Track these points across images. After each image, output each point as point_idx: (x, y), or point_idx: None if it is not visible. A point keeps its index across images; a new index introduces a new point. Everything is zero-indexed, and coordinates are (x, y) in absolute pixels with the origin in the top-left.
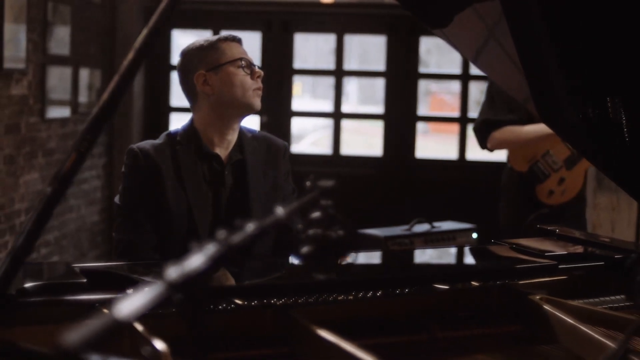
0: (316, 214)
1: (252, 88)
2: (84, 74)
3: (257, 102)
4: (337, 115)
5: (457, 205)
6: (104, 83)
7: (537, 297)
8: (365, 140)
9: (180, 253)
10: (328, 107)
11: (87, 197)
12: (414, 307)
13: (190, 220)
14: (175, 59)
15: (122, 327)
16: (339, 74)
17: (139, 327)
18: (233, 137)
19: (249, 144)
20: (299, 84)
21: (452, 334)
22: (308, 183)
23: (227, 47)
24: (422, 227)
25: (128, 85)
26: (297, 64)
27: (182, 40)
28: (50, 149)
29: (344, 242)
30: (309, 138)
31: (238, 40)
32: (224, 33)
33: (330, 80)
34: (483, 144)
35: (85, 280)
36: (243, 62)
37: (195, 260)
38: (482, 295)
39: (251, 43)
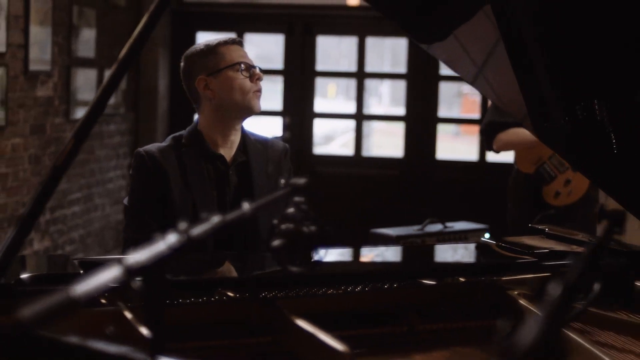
0: (290, 210)
1: (251, 91)
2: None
3: (257, 104)
4: (359, 117)
5: (475, 206)
6: (129, 84)
7: (515, 292)
8: (395, 142)
9: None
10: (354, 109)
11: (111, 196)
12: (395, 301)
13: (196, 219)
14: None
15: (75, 305)
16: (360, 76)
17: (129, 315)
18: (236, 137)
19: (253, 146)
20: (333, 86)
21: (432, 327)
22: (282, 181)
23: (226, 51)
24: (434, 227)
25: (121, 78)
26: (321, 66)
27: None
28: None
29: (316, 237)
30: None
31: (238, 43)
32: (225, 37)
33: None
34: (489, 145)
35: (82, 271)
36: (242, 66)
37: (155, 248)
38: (465, 290)
39: (274, 45)
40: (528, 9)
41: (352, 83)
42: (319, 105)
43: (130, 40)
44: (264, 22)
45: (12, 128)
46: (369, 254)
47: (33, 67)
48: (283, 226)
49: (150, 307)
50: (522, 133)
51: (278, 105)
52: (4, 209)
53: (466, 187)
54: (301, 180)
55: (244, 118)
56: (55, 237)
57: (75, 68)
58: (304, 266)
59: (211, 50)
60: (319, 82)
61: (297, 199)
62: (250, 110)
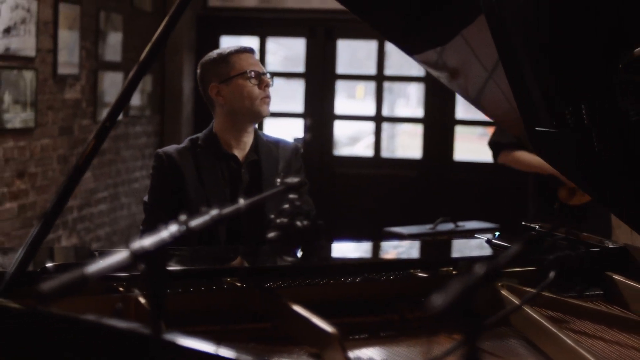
0: (285, 206)
1: (259, 97)
2: None
3: (265, 110)
4: (378, 119)
5: (490, 206)
6: (154, 87)
7: (499, 284)
8: (419, 143)
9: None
10: (384, 110)
11: (137, 195)
12: (388, 291)
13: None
14: None
15: (86, 281)
16: (379, 79)
17: (142, 301)
18: (248, 139)
19: (264, 146)
20: (361, 87)
21: (421, 316)
22: (278, 180)
23: (237, 59)
24: (446, 226)
25: (140, 78)
26: (346, 68)
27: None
28: (101, 149)
29: (309, 231)
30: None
31: (249, 51)
32: (237, 46)
33: (387, 85)
34: (495, 159)
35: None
36: (252, 74)
37: (158, 236)
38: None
39: (296, 49)
40: (518, 19)
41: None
42: (347, 106)
43: (151, 42)
44: (286, 27)
45: (42, 129)
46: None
47: (61, 70)
48: (278, 220)
49: (152, 287)
50: (522, 158)
51: (299, 107)
52: (33, 206)
53: (482, 188)
54: (295, 179)
55: (254, 122)
56: (82, 235)
57: (102, 71)
58: (299, 257)
59: (223, 59)
60: (348, 83)
61: (291, 195)
62: (259, 115)
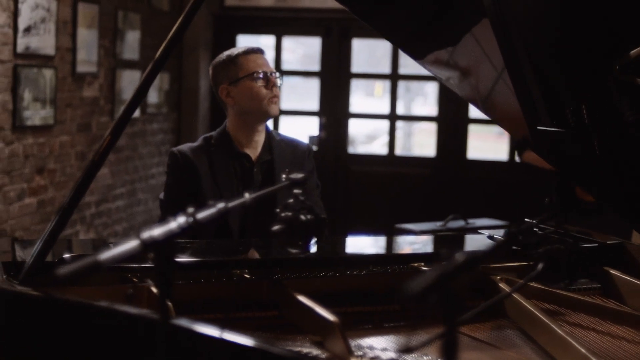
0: (290, 201)
1: (267, 97)
2: None
3: (273, 109)
4: (392, 117)
5: (503, 204)
6: (171, 85)
7: (498, 277)
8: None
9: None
10: (401, 109)
11: (154, 191)
12: (390, 283)
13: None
14: None
15: (99, 266)
16: (394, 77)
17: (154, 290)
18: (260, 138)
19: (277, 146)
20: (380, 85)
21: (422, 307)
22: (283, 176)
23: (245, 61)
24: (456, 223)
25: (155, 75)
26: (362, 67)
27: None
28: (119, 146)
29: (311, 224)
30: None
31: (257, 51)
32: (247, 46)
33: (404, 83)
34: (520, 157)
35: None
36: (260, 74)
37: (167, 227)
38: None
39: (312, 48)
40: (519, 21)
41: (402, 83)
42: (366, 104)
43: (166, 40)
44: (301, 26)
45: (60, 126)
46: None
47: (80, 69)
48: (283, 214)
49: (160, 275)
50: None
51: (315, 106)
52: (52, 201)
53: (495, 186)
54: (299, 176)
55: (263, 121)
56: (100, 230)
57: (120, 70)
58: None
59: (231, 60)
60: (367, 81)
61: (296, 191)
62: (268, 115)
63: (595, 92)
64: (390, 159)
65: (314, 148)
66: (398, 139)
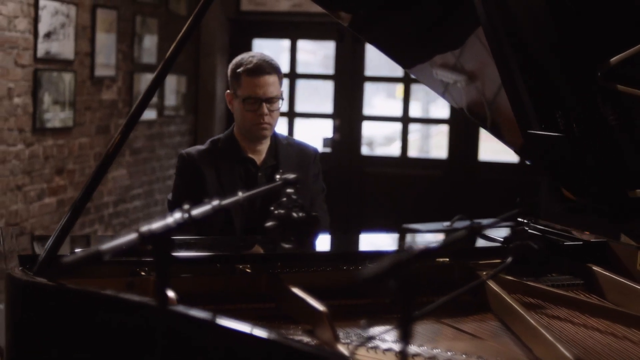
0: (283, 199)
1: (253, 123)
2: (170, 80)
3: (261, 134)
4: (405, 120)
5: (513, 205)
6: (189, 88)
7: (484, 273)
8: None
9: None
10: (419, 111)
11: (170, 192)
12: None
13: (228, 216)
14: None
15: (100, 256)
16: (406, 80)
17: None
18: (264, 144)
19: (283, 150)
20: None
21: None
22: (277, 176)
23: (244, 81)
24: (463, 224)
25: (165, 74)
26: (370, 71)
27: (263, 51)
28: (137, 148)
29: (304, 222)
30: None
31: (262, 73)
32: (256, 60)
33: (423, 86)
34: None
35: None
36: (252, 100)
37: (164, 222)
38: (446, 270)
39: (326, 51)
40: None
41: (419, 86)
42: (387, 106)
43: (176, 41)
44: (316, 30)
45: (80, 128)
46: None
47: (99, 72)
48: (276, 212)
49: (158, 264)
50: None
51: (329, 109)
52: (71, 201)
53: (506, 187)
54: (292, 176)
55: (253, 141)
56: (118, 229)
57: (137, 73)
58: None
59: (237, 74)
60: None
61: (289, 190)
62: (255, 138)
63: (581, 98)
64: (403, 161)
65: (328, 150)
66: (416, 141)
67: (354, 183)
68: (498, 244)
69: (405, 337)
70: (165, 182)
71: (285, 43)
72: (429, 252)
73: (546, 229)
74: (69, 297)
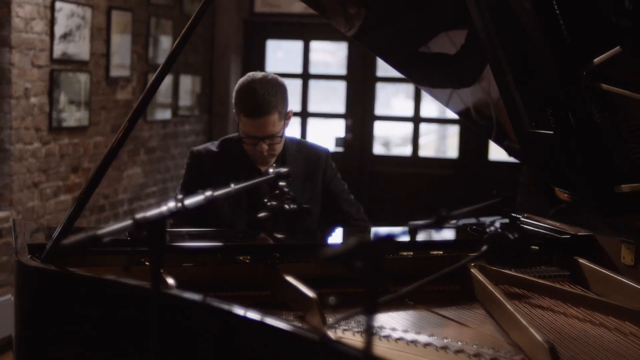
0: (275, 192)
1: (253, 155)
2: (185, 80)
3: (261, 164)
4: (416, 120)
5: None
6: (204, 89)
7: (472, 263)
8: None
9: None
10: (435, 111)
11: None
12: None
13: (231, 218)
14: (269, 67)
15: (97, 240)
16: None
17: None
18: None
19: (291, 155)
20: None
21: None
22: (270, 170)
23: (243, 120)
24: (467, 220)
25: (167, 70)
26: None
27: (276, 52)
28: (151, 147)
29: (295, 213)
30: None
31: (257, 116)
32: (253, 102)
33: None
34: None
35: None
36: (249, 139)
37: (157, 211)
38: (437, 262)
39: (338, 53)
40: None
41: None
42: (406, 106)
43: (179, 37)
44: (328, 31)
45: (95, 128)
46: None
47: (114, 73)
48: (269, 203)
49: (152, 249)
50: None
51: (341, 109)
52: None
53: (515, 186)
54: (284, 170)
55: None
56: None
57: (152, 74)
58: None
59: (237, 105)
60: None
61: (281, 183)
62: (256, 163)
63: (569, 97)
64: (415, 161)
65: (340, 149)
66: (432, 141)
67: (365, 182)
68: (476, 236)
69: (370, 319)
70: (179, 181)
71: (296, 45)
72: (393, 236)
73: (537, 223)
74: (73, 282)
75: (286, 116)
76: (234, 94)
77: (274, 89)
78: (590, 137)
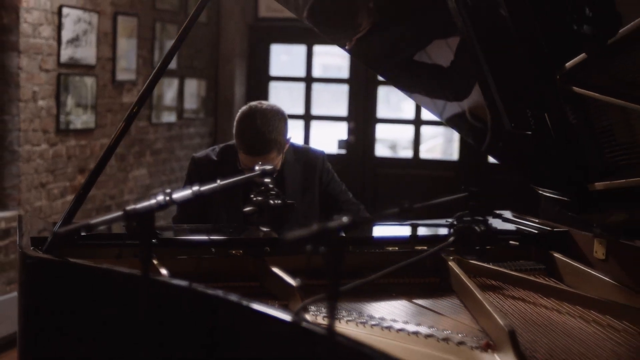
0: (260, 187)
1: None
2: (190, 84)
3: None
4: (417, 123)
5: (523, 205)
6: (209, 93)
7: (450, 257)
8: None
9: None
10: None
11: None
12: (360, 261)
13: (227, 220)
14: (274, 70)
15: (90, 228)
16: None
17: (155, 262)
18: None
19: (290, 165)
20: None
21: (389, 281)
22: (256, 167)
23: (241, 155)
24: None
25: (166, 67)
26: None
27: (280, 56)
28: (157, 149)
29: (279, 208)
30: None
31: (257, 154)
32: (249, 140)
33: None
34: None
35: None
36: (244, 172)
37: (147, 203)
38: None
39: (340, 56)
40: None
41: None
42: (412, 108)
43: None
44: None
45: (101, 130)
46: None
47: (120, 77)
48: (255, 198)
49: (141, 239)
50: None
51: (344, 111)
52: (94, 199)
53: (515, 187)
54: (268, 167)
55: None
56: None
57: None
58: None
59: (237, 138)
60: None
61: (266, 180)
62: None
63: (545, 100)
64: (416, 163)
65: (343, 151)
66: (439, 145)
67: (367, 183)
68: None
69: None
70: (183, 182)
71: (299, 49)
72: (356, 223)
73: (519, 220)
74: (71, 270)
75: (285, 144)
76: (234, 124)
77: (274, 123)
78: (566, 137)
